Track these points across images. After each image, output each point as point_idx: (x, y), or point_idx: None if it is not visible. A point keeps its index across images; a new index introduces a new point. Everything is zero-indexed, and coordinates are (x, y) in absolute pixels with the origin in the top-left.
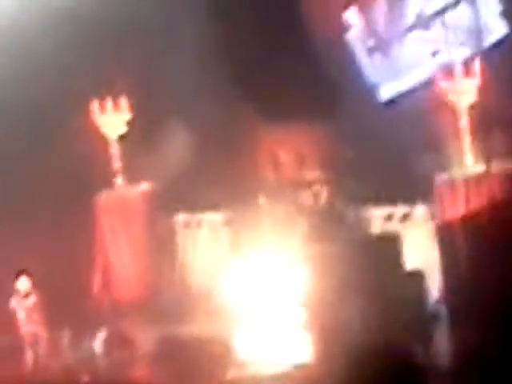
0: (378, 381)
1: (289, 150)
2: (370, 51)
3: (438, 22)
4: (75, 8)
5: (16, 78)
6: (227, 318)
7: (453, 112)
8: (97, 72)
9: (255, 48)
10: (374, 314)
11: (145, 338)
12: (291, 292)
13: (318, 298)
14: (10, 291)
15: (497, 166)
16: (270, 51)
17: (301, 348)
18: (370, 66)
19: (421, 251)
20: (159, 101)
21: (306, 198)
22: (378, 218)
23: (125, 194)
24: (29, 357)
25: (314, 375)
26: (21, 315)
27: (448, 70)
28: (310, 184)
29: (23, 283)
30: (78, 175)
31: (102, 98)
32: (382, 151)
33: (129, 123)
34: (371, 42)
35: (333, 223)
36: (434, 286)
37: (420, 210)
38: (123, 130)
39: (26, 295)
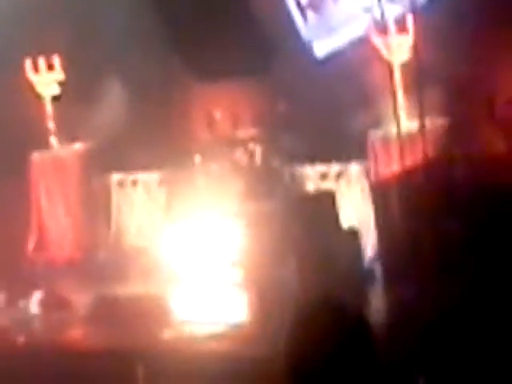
0: (316, 339)
1: (223, 109)
2: (304, 8)
3: None
4: None
5: None
6: (163, 277)
7: (387, 69)
8: (29, 30)
9: (188, 5)
10: (310, 272)
11: (80, 299)
12: (227, 251)
13: (253, 257)
14: None
15: (430, 123)
16: (203, 7)
17: (237, 307)
18: (304, 23)
19: (356, 209)
20: (92, 59)
21: (241, 156)
22: (313, 176)
23: (59, 154)
24: None
25: (250, 335)
26: None
27: (382, 27)
28: (244, 142)
29: None
30: (12, 135)
31: (34, 57)
32: (317, 109)
33: (62, 83)
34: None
35: (268, 181)
36: (370, 244)
37: (355, 168)
38: (57, 89)
39: None
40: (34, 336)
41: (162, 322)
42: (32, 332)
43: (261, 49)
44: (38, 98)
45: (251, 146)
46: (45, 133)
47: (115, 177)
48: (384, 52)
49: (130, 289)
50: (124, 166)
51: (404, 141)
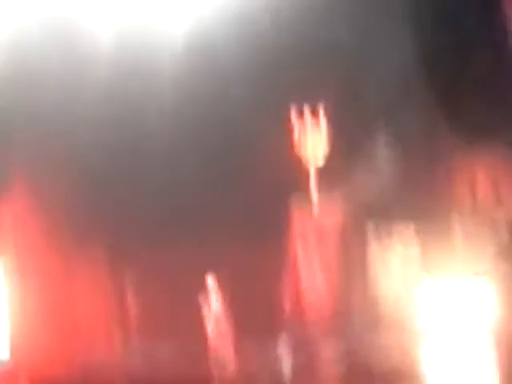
0: None
1: (486, 171)
2: None
3: None
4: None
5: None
6: (415, 335)
7: None
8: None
9: (458, 65)
10: None
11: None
12: (480, 313)
13: (507, 320)
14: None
15: None
16: (477, 70)
17: (485, 372)
18: None
19: None
20: (359, 113)
21: (502, 215)
22: None
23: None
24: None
25: None
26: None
27: None
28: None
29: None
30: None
31: (300, 104)
32: None
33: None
34: None
35: None
36: None
37: None
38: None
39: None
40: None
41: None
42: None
43: None
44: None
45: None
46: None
47: (372, 228)
48: None
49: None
50: (380, 218)
51: None
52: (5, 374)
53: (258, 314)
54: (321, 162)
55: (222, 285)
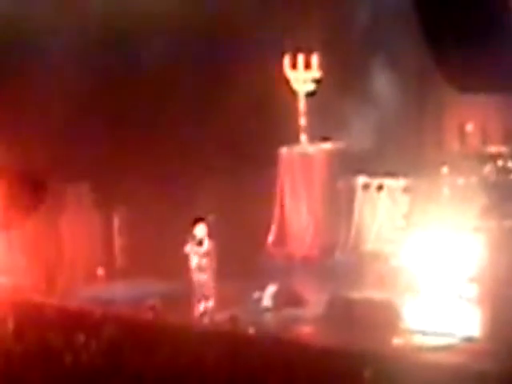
0: None
1: (475, 123)
2: None
3: None
4: None
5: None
6: (399, 284)
7: None
8: (289, 28)
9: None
10: None
11: (314, 297)
12: (464, 265)
13: (490, 273)
14: (187, 237)
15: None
16: (468, 19)
17: (468, 322)
18: None
19: None
20: (350, 62)
21: (490, 172)
22: None
23: (308, 151)
24: (197, 304)
25: (478, 351)
26: (193, 262)
27: None
28: (494, 158)
29: (200, 230)
30: (263, 128)
31: (294, 54)
32: None
33: (317, 81)
34: None
35: None
36: None
37: None
38: (311, 87)
39: (201, 242)
40: (264, 329)
41: (392, 329)
42: (263, 324)
43: None
44: (293, 94)
45: (500, 162)
46: (295, 129)
47: (361, 180)
48: None
49: (365, 293)
50: (370, 171)
51: None
52: None
53: (243, 254)
54: (311, 87)
55: (209, 224)
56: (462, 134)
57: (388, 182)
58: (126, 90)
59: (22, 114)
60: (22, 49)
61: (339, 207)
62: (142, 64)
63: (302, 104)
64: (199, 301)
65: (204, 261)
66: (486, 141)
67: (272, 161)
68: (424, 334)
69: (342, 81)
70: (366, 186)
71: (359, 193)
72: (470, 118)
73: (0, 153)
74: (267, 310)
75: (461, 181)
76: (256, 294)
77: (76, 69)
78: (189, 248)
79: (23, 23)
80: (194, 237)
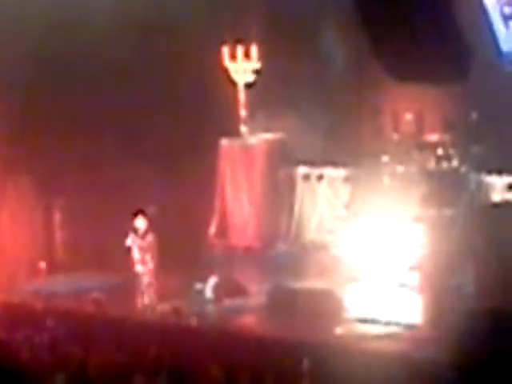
0: (490, 346)
1: (413, 111)
2: (506, 18)
3: None
4: None
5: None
6: (340, 273)
7: None
8: (228, 19)
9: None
10: (489, 279)
11: (256, 288)
12: (405, 253)
13: (431, 261)
14: (128, 229)
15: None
16: (404, 12)
17: (411, 310)
18: (504, 33)
19: None
20: (286, 52)
21: (429, 160)
22: (499, 187)
23: (248, 142)
24: (139, 297)
25: (421, 338)
26: (135, 254)
27: None
28: (433, 147)
29: (141, 222)
30: (203, 119)
31: (232, 45)
32: (507, 119)
33: (257, 72)
34: (508, 10)
35: (453, 188)
36: None
37: None
38: (251, 78)
39: (143, 235)
40: (206, 320)
41: (334, 318)
42: (205, 316)
43: (459, 57)
44: (233, 84)
45: (439, 151)
46: (235, 120)
47: (301, 170)
48: None
49: (307, 283)
50: (310, 161)
51: None
52: None
53: (184, 246)
54: (250, 78)
55: (150, 216)
56: (401, 122)
57: (328, 171)
58: (66, 80)
59: None
60: None
61: (280, 198)
62: (82, 55)
63: (241, 95)
64: (142, 293)
65: (145, 253)
66: (424, 130)
67: (212, 152)
68: (366, 322)
69: (281, 71)
70: (306, 177)
71: (300, 183)
72: (408, 106)
73: None
74: (209, 301)
75: (401, 169)
76: (198, 286)
77: (17, 59)
78: (130, 240)
79: None
80: (135, 229)
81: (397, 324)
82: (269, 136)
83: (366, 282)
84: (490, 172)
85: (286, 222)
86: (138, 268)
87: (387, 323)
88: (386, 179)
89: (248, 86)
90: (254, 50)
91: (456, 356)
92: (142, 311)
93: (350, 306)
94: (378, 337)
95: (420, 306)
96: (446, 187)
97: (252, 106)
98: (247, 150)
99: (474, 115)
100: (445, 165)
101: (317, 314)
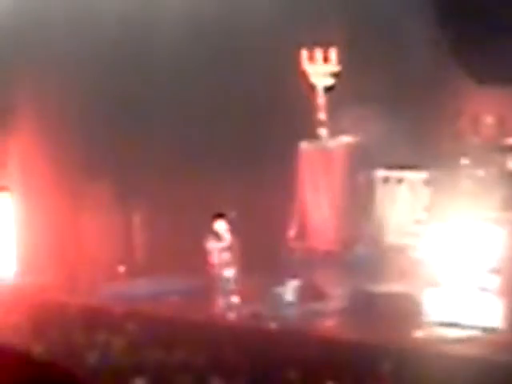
0: None
1: (494, 114)
2: None
3: None
4: None
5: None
6: (420, 277)
7: None
8: (308, 22)
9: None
10: None
11: (336, 291)
12: (485, 257)
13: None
14: (208, 232)
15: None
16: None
17: (491, 313)
18: None
19: None
20: (367, 55)
21: (510, 162)
22: None
23: (328, 146)
24: (219, 300)
25: (502, 342)
26: (215, 257)
27: None
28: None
29: (220, 226)
30: (283, 122)
31: (312, 48)
32: None
33: (336, 75)
34: None
35: None
36: None
37: None
38: (330, 81)
39: (223, 238)
40: (286, 323)
41: (414, 322)
42: (285, 319)
43: None
44: (311, 88)
45: None
46: (315, 124)
47: (381, 173)
48: None
49: (387, 286)
50: (390, 164)
51: None
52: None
53: (264, 249)
54: (329, 81)
55: (231, 220)
56: (482, 125)
57: (408, 174)
58: (138, 83)
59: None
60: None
61: (360, 201)
62: (155, 62)
63: (320, 99)
64: (221, 296)
65: (226, 256)
66: (505, 133)
67: (292, 155)
68: (446, 326)
69: (361, 74)
70: (386, 180)
71: (379, 187)
72: (489, 109)
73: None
74: (289, 304)
75: (481, 172)
76: (278, 289)
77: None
78: (210, 244)
79: None
80: (214, 233)
81: (477, 328)
82: (348, 139)
83: (446, 286)
84: None
85: (366, 225)
86: (218, 271)
87: (467, 327)
88: (466, 182)
89: (327, 89)
90: (333, 52)
91: None
92: (221, 314)
93: (430, 309)
94: (459, 340)
95: (500, 310)
96: None
97: (331, 110)
98: (326, 153)
99: None
100: None
101: (396, 317)
